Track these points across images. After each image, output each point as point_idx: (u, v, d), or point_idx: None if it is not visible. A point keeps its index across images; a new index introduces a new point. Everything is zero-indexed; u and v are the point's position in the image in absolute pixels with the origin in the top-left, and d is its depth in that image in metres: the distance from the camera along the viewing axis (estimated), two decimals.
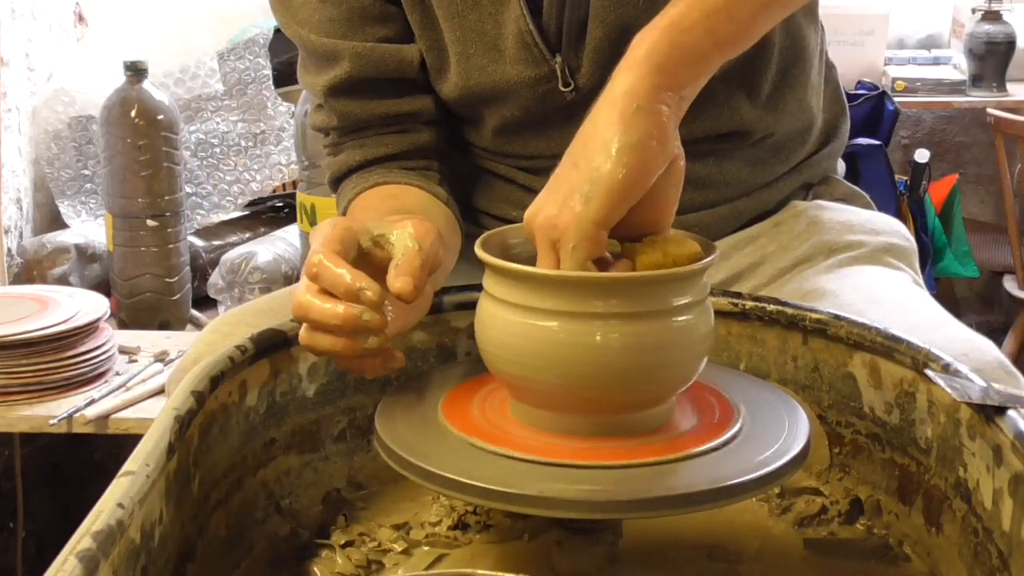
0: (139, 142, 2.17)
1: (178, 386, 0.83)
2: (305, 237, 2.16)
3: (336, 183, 1.23)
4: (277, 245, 2.29)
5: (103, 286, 2.28)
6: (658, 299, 0.80)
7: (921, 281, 1.22)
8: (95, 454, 2.37)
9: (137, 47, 2.36)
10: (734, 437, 0.82)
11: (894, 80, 3.45)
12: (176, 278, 2.24)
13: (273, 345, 0.92)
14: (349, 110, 1.19)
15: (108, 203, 2.23)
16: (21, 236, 2.39)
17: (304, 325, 0.86)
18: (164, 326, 2.22)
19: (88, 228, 2.39)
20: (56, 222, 2.46)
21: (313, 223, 2.10)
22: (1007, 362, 0.98)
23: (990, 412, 0.78)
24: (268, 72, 2.48)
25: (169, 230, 2.22)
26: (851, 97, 3.03)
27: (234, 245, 2.35)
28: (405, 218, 0.90)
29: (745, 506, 0.94)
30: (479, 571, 0.70)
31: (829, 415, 0.97)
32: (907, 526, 0.90)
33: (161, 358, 1.98)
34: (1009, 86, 3.49)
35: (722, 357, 1.01)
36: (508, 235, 0.89)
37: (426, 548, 0.90)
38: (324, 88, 1.18)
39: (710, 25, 0.89)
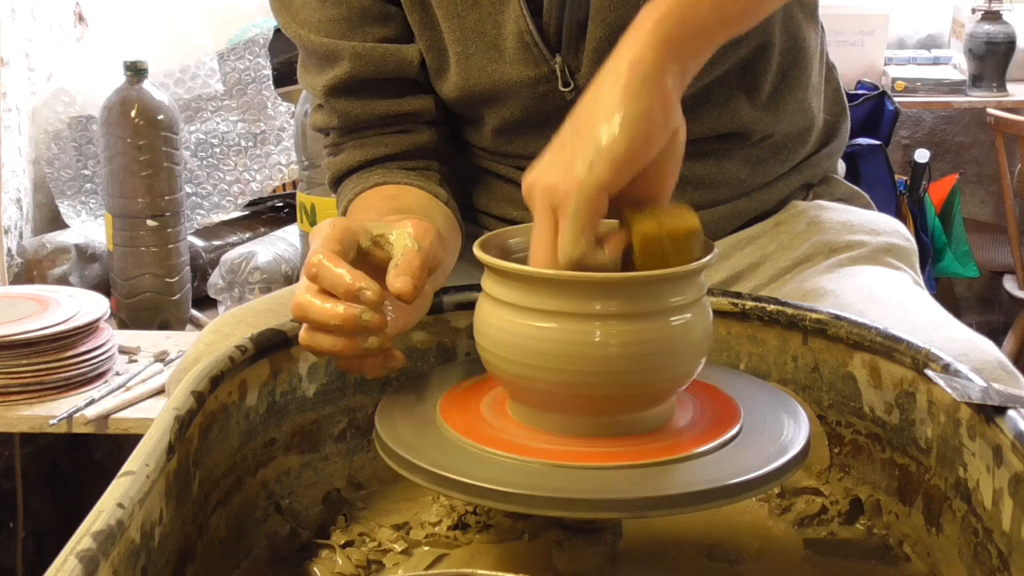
0: (139, 142, 2.17)
1: (178, 386, 0.83)
2: (305, 237, 2.16)
3: (336, 183, 1.23)
4: (277, 245, 2.29)
5: (103, 286, 2.28)
6: (657, 299, 0.80)
7: (921, 281, 1.22)
8: (95, 454, 2.37)
9: (137, 47, 2.36)
10: (734, 437, 0.82)
11: (894, 80, 3.45)
12: (176, 278, 2.24)
13: (273, 345, 0.92)
14: (349, 110, 1.19)
15: (108, 203, 2.23)
16: (21, 236, 2.39)
17: (304, 325, 0.86)
18: (164, 326, 2.22)
19: (88, 228, 2.39)
20: (56, 222, 2.46)
21: (313, 223, 2.10)
22: (1007, 362, 0.98)
23: (990, 412, 0.78)
24: (268, 72, 2.48)
25: (169, 230, 2.22)
26: (851, 97, 3.03)
27: (234, 245, 2.35)
28: (404, 218, 0.90)
29: (745, 506, 0.94)
30: (479, 571, 0.70)
31: (829, 415, 0.97)
32: (907, 526, 0.90)
33: (161, 358, 1.98)
34: (1009, 86, 3.50)
35: (722, 357, 1.01)
36: (507, 236, 0.89)
37: (426, 548, 0.90)
38: (324, 88, 1.18)
39: (717, 2, 0.89)
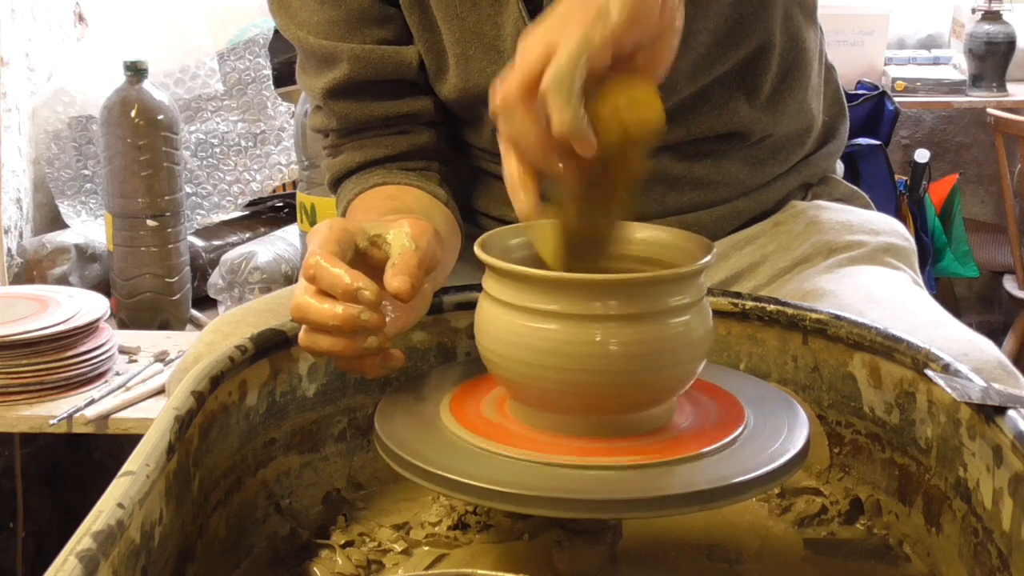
0: (139, 142, 2.17)
1: (178, 386, 0.83)
2: (305, 237, 2.16)
3: (336, 184, 1.23)
4: (277, 245, 2.29)
5: (103, 286, 2.28)
6: (657, 300, 0.80)
7: (921, 281, 1.22)
8: (95, 454, 2.37)
9: (137, 47, 2.36)
10: (734, 438, 0.82)
11: (894, 80, 3.45)
12: (176, 278, 2.24)
13: (273, 345, 0.92)
14: (348, 112, 1.19)
15: (108, 203, 2.23)
16: (21, 236, 2.39)
17: (303, 326, 0.87)
18: (164, 326, 2.23)
19: (88, 228, 2.39)
20: (56, 222, 2.46)
21: (313, 223, 2.10)
22: (1007, 362, 0.98)
23: (990, 412, 0.78)
24: (268, 72, 2.48)
25: (169, 230, 2.22)
26: (851, 97, 3.03)
27: (234, 245, 2.36)
28: (401, 217, 0.90)
29: (745, 506, 0.94)
30: (479, 571, 0.70)
31: (829, 415, 0.97)
32: (907, 526, 0.90)
33: (161, 358, 1.98)
34: (1009, 86, 3.50)
35: (722, 357, 1.01)
36: (508, 236, 0.89)
37: (426, 548, 0.90)
38: (323, 90, 1.18)
39: None
